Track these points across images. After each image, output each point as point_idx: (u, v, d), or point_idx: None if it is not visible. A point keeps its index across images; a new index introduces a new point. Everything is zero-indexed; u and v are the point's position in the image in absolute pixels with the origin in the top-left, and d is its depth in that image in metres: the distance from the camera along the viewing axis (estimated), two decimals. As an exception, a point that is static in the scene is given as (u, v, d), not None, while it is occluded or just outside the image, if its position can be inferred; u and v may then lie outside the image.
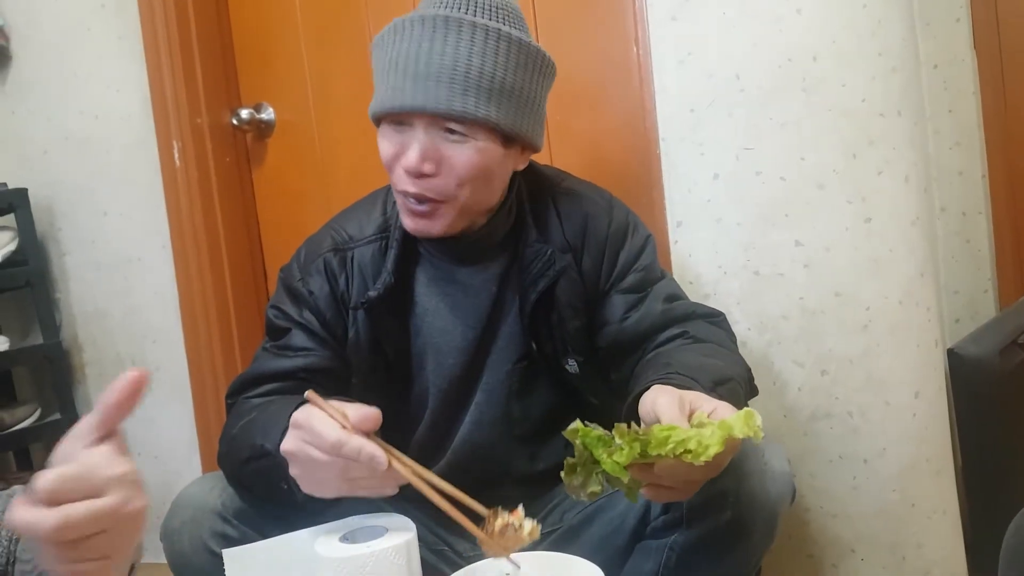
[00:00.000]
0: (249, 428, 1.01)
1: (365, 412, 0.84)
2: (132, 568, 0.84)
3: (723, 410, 0.83)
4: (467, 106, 1.00)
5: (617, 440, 0.80)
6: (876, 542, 1.37)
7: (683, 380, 0.91)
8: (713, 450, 0.76)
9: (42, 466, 2.14)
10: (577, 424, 0.83)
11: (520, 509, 0.86)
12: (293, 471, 0.89)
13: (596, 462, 0.82)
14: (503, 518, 0.84)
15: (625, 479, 0.81)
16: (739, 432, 0.77)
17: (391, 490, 0.87)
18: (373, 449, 0.82)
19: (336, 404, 0.86)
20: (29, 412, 1.99)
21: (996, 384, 1.45)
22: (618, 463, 0.79)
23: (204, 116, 1.86)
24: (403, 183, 1.05)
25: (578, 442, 0.83)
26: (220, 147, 1.89)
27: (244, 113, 1.89)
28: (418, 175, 1.03)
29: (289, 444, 0.87)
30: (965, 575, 1.43)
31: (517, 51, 1.04)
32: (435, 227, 1.07)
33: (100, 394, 2.16)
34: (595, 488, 0.84)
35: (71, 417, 1.99)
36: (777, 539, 1.41)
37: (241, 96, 1.93)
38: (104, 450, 0.64)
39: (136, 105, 1.88)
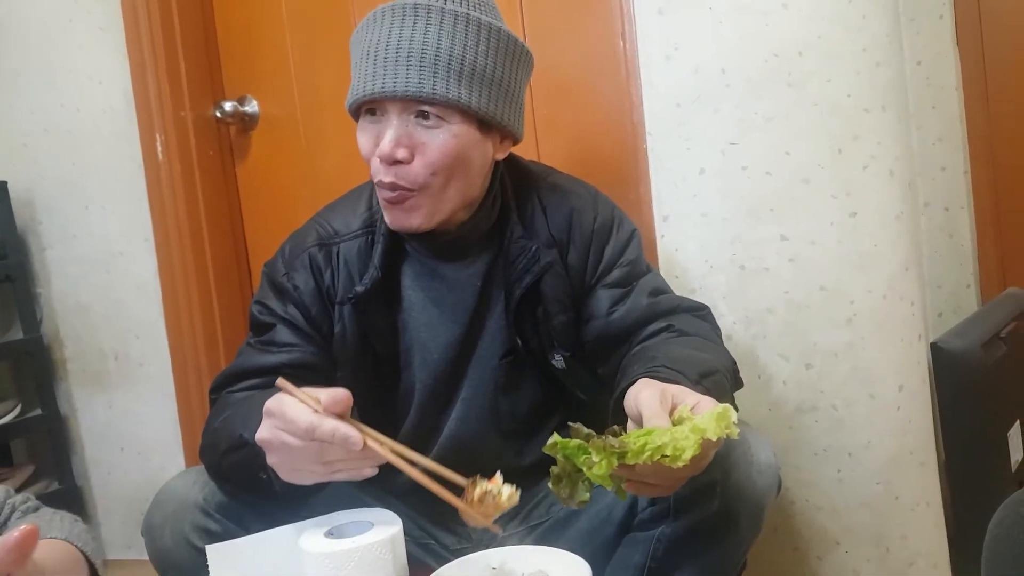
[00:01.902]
0: (229, 420, 1.00)
1: (336, 394, 0.83)
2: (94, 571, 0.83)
3: (705, 403, 0.83)
4: (437, 88, 1.00)
5: (593, 457, 0.80)
6: (861, 534, 1.38)
7: (669, 373, 0.91)
8: (689, 453, 0.76)
9: (24, 462, 2.10)
10: (555, 438, 0.83)
11: (498, 476, 0.85)
12: (270, 460, 0.88)
13: (580, 471, 0.82)
14: (482, 486, 0.84)
15: (610, 487, 0.81)
16: (712, 433, 0.77)
17: (370, 471, 0.86)
18: (347, 430, 0.81)
19: (308, 390, 0.85)
20: (9, 408, 1.97)
21: (979, 377, 1.47)
22: (599, 474, 0.80)
23: (187, 109, 1.84)
24: (379, 173, 1.04)
25: (559, 456, 0.83)
26: (203, 140, 1.88)
27: (228, 106, 1.88)
28: (392, 162, 1.02)
29: (264, 432, 0.86)
30: (948, 566, 1.44)
31: (487, 36, 1.04)
32: (413, 219, 1.06)
33: (82, 389, 2.14)
34: (583, 497, 0.84)
35: (52, 412, 1.98)
36: (763, 532, 1.42)
37: (225, 89, 1.92)
38: None
39: (118, 97, 1.86)
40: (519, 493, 0.85)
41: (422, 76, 1.00)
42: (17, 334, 1.97)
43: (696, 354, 1.00)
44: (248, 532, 0.99)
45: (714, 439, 0.77)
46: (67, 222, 1.96)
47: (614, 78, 1.56)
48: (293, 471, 0.88)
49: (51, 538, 0.83)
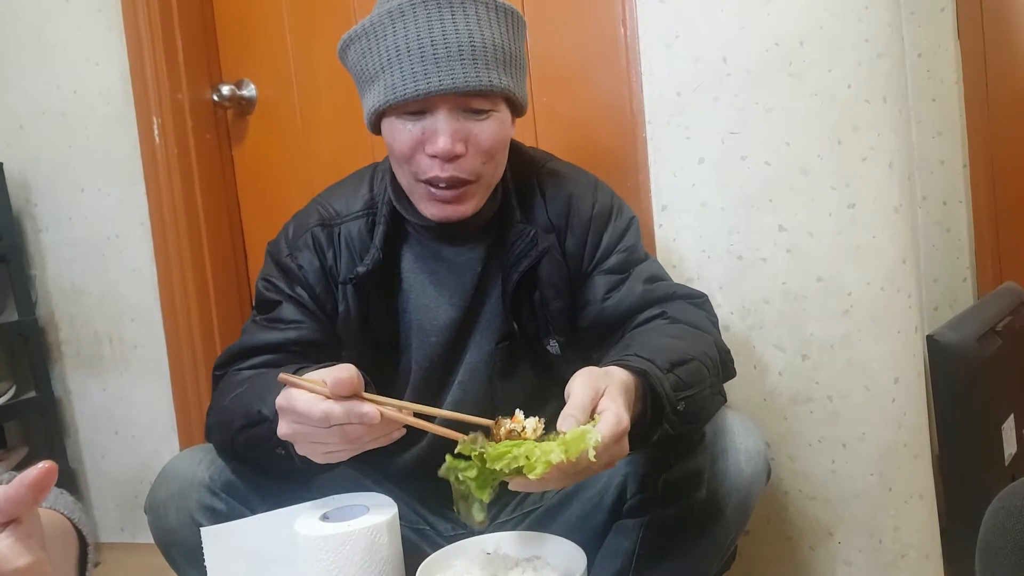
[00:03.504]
0: (243, 397, 1.00)
1: (340, 379, 0.83)
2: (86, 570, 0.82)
3: (610, 411, 0.81)
4: (492, 80, 1.01)
5: (457, 449, 0.82)
6: (854, 525, 1.39)
7: (639, 362, 0.90)
8: (539, 471, 0.76)
9: (18, 445, 2.09)
10: (448, 461, 0.83)
11: (519, 413, 0.85)
12: (300, 450, 0.89)
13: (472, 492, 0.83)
14: (506, 426, 0.85)
15: (486, 497, 0.82)
16: (556, 456, 0.76)
17: (398, 434, 0.87)
18: (361, 409, 0.82)
19: (313, 376, 0.85)
20: (4, 390, 1.96)
21: (974, 371, 1.47)
22: (475, 480, 0.81)
23: (184, 92, 1.83)
24: (432, 170, 1.03)
25: (451, 478, 0.84)
26: (200, 124, 1.87)
27: (225, 89, 1.87)
28: (450, 158, 1.02)
29: (284, 429, 0.87)
30: (940, 558, 1.45)
31: (506, 18, 1.05)
32: (466, 209, 1.07)
33: (76, 372, 2.13)
34: (479, 517, 0.84)
35: (46, 395, 1.98)
36: (756, 522, 1.43)
37: (222, 72, 1.91)
38: (7, 542, 0.61)
39: (115, 79, 1.85)
40: (543, 423, 0.84)
41: (477, 69, 1.00)
42: (12, 316, 1.96)
43: (673, 342, 1.00)
44: (254, 512, 1.00)
45: (555, 461, 0.76)
46: (62, 204, 1.95)
47: (614, 66, 1.55)
48: (324, 455, 0.88)
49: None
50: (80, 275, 1.96)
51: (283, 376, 0.86)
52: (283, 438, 0.88)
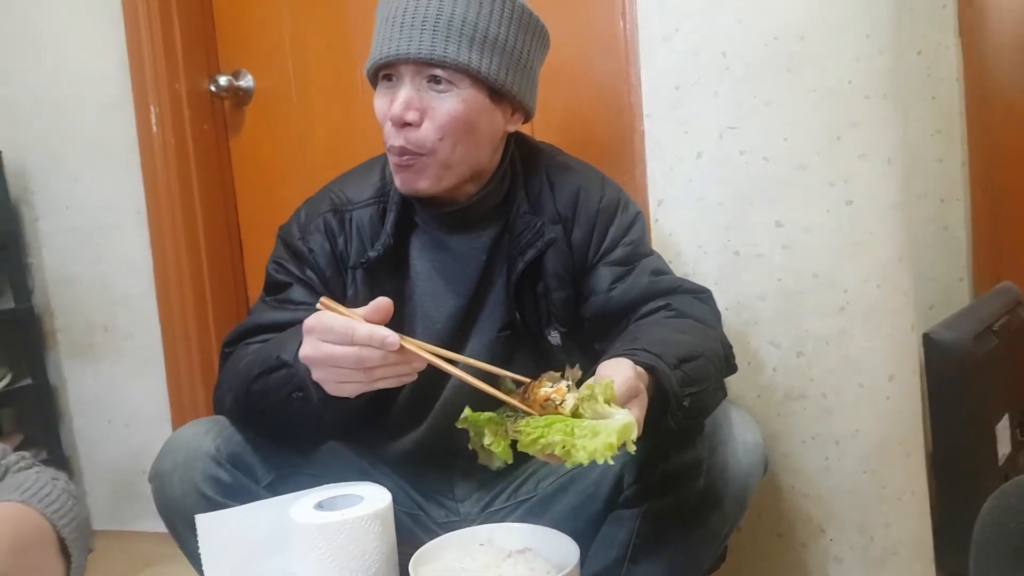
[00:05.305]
0: (259, 353, 1.02)
1: (376, 303, 0.85)
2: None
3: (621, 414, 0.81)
4: (448, 52, 1.02)
5: (487, 440, 0.83)
6: (846, 522, 1.39)
7: (646, 356, 0.91)
8: (579, 458, 0.77)
9: (13, 431, 2.08)
10: (467, 412, 0.85)
11: (562, 383, 0.85)
12: (316, 375, 0.90)
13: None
14: (546, 391, 0.84)
15: (509, 459, 0.84)
16: (600, 454, 0.76)
17: (409, 377, 0.88)
18: (384, 331, 0.83)
19: (351, 310, 0.87)
20: (0, 376, 1.97)
21: (969, 370, 1.47)
22: (497, 451, 0.83)
23: (182, 82, 1.83)
24: (391, 137, 1.06)
25: (471, 432, 0.85)
26: (197, 114, 1.87)
27: (222, 80, 1.87)
28: (402, 125, 1.04)
29: (306, 348, 0.88)
30: (931, 555, 1.45)
31: (502, 5, 1.05)
32: (420, 182, 1.07)
33: (71, 360, 2.12)
34: (499, 462, 0.85)
35: (41, 383, 1.98)
36: (748, 518, 1.42)
37: (220, 62, 1.90)
38: None
39: (112, 67, 1.85)
40: (580, 397, 0.84)
41: (434, 40, 1.02)
42: (8, 304, 1.96)
43: (681, 337, 1.00)
44: (259, 484, 1.01)
45: (598, 459, 0.76)
46: (59, 192, 1.95)
47: (613, 59, 1.55)
48: (337, 384, 0.89)
49: (6, 500, 0.78)
50: (76, 264, 1.96)
51: (324, 300, 0.88)
52: (302, 359, 0.89)
